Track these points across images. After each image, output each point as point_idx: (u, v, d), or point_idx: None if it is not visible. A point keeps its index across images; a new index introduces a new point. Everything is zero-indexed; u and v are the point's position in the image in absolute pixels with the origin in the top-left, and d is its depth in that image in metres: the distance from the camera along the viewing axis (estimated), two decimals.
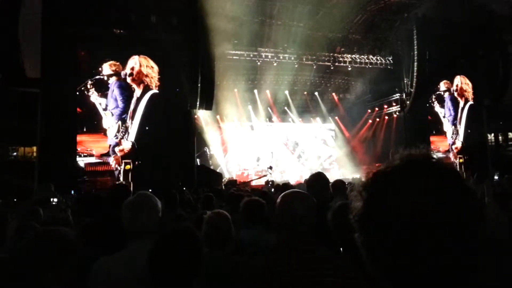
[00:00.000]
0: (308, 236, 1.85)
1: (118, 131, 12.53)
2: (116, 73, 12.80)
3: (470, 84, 20.44)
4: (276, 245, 1.92)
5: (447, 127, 20.22)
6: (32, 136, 14.57)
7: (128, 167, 11.42)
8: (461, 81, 20.40)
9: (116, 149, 12.17)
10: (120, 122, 12.80)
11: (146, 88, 12.92)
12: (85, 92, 12.60)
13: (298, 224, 1.83)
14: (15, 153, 24.09)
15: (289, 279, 1.66)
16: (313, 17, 17.39)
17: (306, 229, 1.84)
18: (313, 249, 1.81)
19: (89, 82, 12.60)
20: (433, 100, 20.03)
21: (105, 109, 12.78)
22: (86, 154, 11.56)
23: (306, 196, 1.94)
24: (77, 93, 12.81)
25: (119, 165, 11.72)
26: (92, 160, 11.56)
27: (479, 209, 0.75)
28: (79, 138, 12.00)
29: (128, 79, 12.72)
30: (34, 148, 17.82)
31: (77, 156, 11.45)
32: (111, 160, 12.02)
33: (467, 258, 0.71)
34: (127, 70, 12.81)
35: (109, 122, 12.70)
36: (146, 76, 12.83)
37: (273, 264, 1.74)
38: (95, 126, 12.57)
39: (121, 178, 11.45)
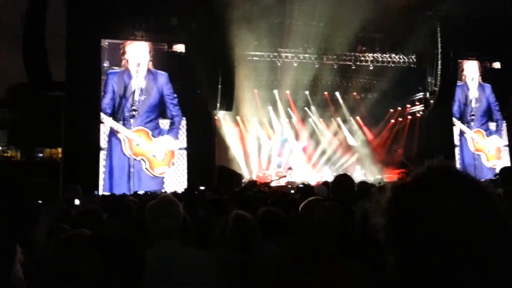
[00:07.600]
0: (330, 243, 1.87)
1: None
2: None
3: None
4: (297, 248, 1.96)
5: None
6: (57, 137, 14.95)
7: None
8: None
9: None
10: None
11: None
12: None
13: (321, 232, 1.86)
14: (41, 154, 24.77)
15: (306, 280, 1.71)
16: (333, 17, 17.17)
17: (329, 238, 1.87)
18: (333, 254, 1.83)
19: None
20: None
21: None
22: None
23: (333, 209, 1.97)
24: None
25: None
26: None
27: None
28: None
29: None
30: (59, 150, 18.23)
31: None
32: None
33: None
34: None
35: None
36: None
37: (292, 264, 1.82)
38: None
39: None
